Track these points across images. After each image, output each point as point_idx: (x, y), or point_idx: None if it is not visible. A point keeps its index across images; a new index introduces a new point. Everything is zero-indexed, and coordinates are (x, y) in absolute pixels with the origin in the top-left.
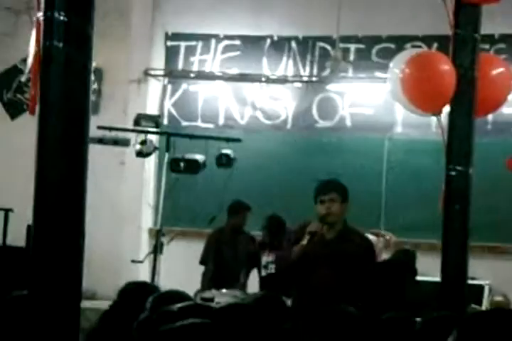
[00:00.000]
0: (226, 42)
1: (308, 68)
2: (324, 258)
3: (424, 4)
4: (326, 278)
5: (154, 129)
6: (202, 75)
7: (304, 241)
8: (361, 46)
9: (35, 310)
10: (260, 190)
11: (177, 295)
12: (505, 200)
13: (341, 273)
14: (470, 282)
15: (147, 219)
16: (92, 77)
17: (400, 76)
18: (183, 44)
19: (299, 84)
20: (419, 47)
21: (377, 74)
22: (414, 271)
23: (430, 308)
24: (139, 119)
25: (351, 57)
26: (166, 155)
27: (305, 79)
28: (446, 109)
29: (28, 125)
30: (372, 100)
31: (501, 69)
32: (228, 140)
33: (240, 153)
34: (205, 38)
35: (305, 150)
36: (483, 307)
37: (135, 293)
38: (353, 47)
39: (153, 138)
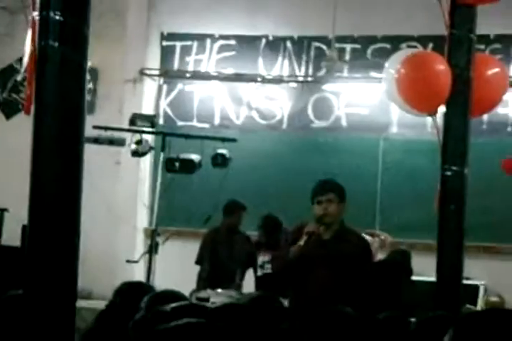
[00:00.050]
0: (221, 42)
1: (303, 68)
2: (321, 258)
3: (419, 4)
4: (323, 278)
5: (150, 129)
6: (197, 75)
7: (301, 242)
8: (357, 46)
9: (31, 310)
10: (256, 190)
11: (172, 295)
12: (501, 200)
13: (338, 273)
14: (465, 282)
15: (142, 219)
16: (88, 77)
17: (395, 76)
18: (178, 44)
19: (295, 84)
20: (415, 47)
21: (373, 74)
22: (409, 271)
23: (425, 308)
24: (134, 119)
25: (347, 57)
26: (162, 155)
27: (300, 79)
28: (442, 109)
29: (23, 125)
30: (367, 100)
31: (497, 70)
32: (224, 140)
33: (236, 152)
34: (201, 38)
35: (301, 150)
36: (478, 307)
37: (131, 292)
38: (348, 47)
39: (149, 137)
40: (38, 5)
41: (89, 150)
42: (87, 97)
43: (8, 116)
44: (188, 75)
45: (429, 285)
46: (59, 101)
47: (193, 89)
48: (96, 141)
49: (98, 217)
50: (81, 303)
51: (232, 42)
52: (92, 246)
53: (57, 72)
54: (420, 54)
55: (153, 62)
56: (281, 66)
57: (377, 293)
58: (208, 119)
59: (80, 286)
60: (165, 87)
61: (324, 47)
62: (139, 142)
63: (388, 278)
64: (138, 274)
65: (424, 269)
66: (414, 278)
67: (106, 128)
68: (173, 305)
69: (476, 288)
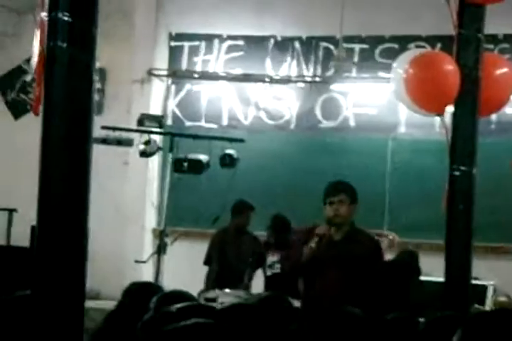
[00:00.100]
0: (229, 42)
1: (311, 68)
2: (332, 259)
3: (427, 4)
4: (334, 279)
5: (158, 129)
6: (205, 75)
7: (312, 244)
8: (365, 46)
9: (39, 310)
10: (264, 190)
11: (181, 296)
12: (509, 200)
13: (349, 274)
14: (473, 282)
15: (151, 220)
16: (96, 77)
17: (403, 76)
18: (186, 44)
19: (303, 85)
20: (423, 47)
21: (381, 74)
22: (418, 272)
23: (434, 308)
24: (142, 119)
25: (355, 57)
26: (170, 156)
27: (308, 79)
28: (450, 109)
29: (31, 125)
30: (375, 100)
31: (505, 69)
32: (232, 140)
33: (244, 153)
34: (209, 38)
35: (308, 150)
36: (487, 308)
37: (139, 293)
38: (356, 47)
39: (157, 138)
40: (46, 6)
41: (98, 151)
42: (95, 98)
43: (17, 116)
44: (196, 76)
45: (437, 286)
46: (67, 102)
47: (201, 89)
48: (104, 141)
49: (106, 218)
50: (89, 304)
51: (240, 42)
52: (101, 247)
53: (66, 72)
54: (428, 54)
55: (162, 62)
56: (289, 66)
57: (385, 294)
58: (216, 120)
59: (88, 287)
60: (173, 88)
61: (332, 47)
62: (147, 142)
63: (397, 278)
64: (146, 274)
65: (433, 269)
66: (422, 278)
67: (114, 129)
68: (180, 305)
69: (484, 288)
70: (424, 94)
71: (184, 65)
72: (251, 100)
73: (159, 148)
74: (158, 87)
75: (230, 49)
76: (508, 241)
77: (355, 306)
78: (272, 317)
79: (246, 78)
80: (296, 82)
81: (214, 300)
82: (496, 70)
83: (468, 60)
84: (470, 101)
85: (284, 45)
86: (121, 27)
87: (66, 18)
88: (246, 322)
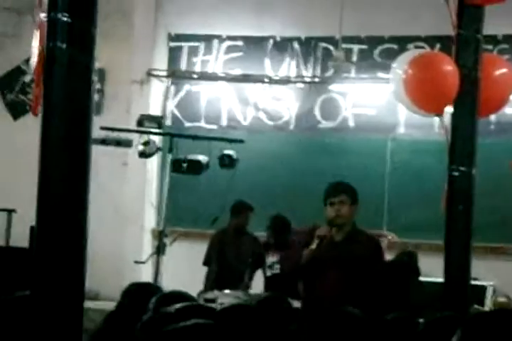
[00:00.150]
0: (229, 42)
1: (310, 69)
2: (333, 260)
3: (426, 5)
4: (335, 279)
5: (157, 130)
6: (205, 76)
7: (313, 246)
8: (364, 47)
9: (38, 311)
10: (263, 191)
11: (180, 296)
12: (509, 201)
13: (350, 274)
14: (473, 283)
15: (150, 220)
16: (95, 78)
17: (402, 76)
18: (185, 45)
19: (302, 85)
20: (422, 47)
21: (380, 74)
22: (417, 272)
23: (433, 309)
24: (141, 120)
25: (354, 57)
26: (169, 156)
27: (307, 79)
28: (449, 109)
29: (31, 126)
30: (375, 101)
31: (504, 70)
32: (231, 141)
33: (243, 153)
34: (208, 39)
35: (308, 150)
36: (486, 308)
37: (138, 293)
38: (355, 47)
39: (156, 138)
40: (45, 6)
41: (97, 152)
42: (95, 98)
43: (16, 117)
44: (195, 76)
45: (436, 286)
46: (66, 102)
47: (200, 90)
48: (103, 142)
49: (105, 218)
50: (88, 304)
51: (240, 43)
52: (100, 247)
53: (65, 73)
54: (427, 54)
55: (161, 63)
56: (289, 67)
57: (385, 294)
58: (215, 120)
59: (88, 287)
60: (172, 88)
61: (331, 47)
62: (146, 143)
63: (396, 279)
64: (145, 275)
65: (432, 270)
66: (421, 278)
67: (113, 129)
68: (179, 305)
69: (483, 288)
70: (424, 95)
71: (183, 66)
72: (250, 101)
73: (158, 149)
74: (157, 87)
75: (229, 49)
76: (508, 241)
77: (356, 307)
78: (272, 318)
79: (245, 79)
80: (295, 82)
81: (213, 300)
82: (495, 71)
83: (467, 61)
84: (469, 102)
85: (283, 46)
86: (120, 27)
87: (65, 19)
88: (246, 322)
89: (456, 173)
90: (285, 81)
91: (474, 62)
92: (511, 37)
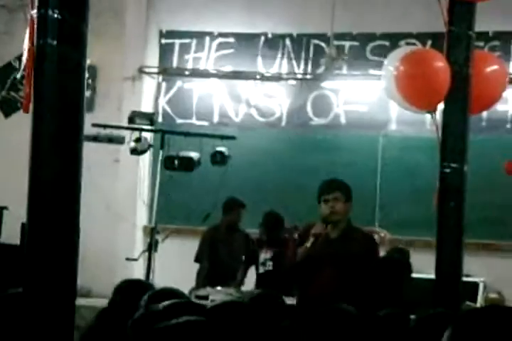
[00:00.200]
0: (220, 39)
1: (302, 65)
2: (328, 257)
3: (418, 1)
4: (330, 277)
5: (149, 127)
6: (196, 73)
7: (308, 244)
8: (355, 43)
9: (30, 308)
10: (255, 188)
11: (172, 293)
12: (500, 197)
13: (345, 272)
14: (465, 279)
15: (142, 217)
16: (87, 75)
17: (394, 73)
18: (177, 42)
19: (294, 82)
20: (414, 44)
21: (372, 71)
22: (409, 269)
23: (426, 306)
24: (133, 117)
25: (345, 54)
26: (161, 153)
27: (299, 76)
28: (441, 106)
29: (22, 123)
30: (366, 97)
31: (495, 67)
32: (223, 137)
33: (235, 150)
34: (200, 36)
35: (299, 147)
36: (478, 305)
37: (130, 290)
38: (347, 44)
39: (148, 135)
40: (36, 3)
41: (88, 148)
42: (86, 95)
43: (7, 114)
44: (186, 73)
45: (428, 283)
46: (58, 100)
47: (192, 86)
48: (95, 138)
49: (97, 215)
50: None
51: (231, 39)
52: (92, 244)
53: (56, 70)
54: (419, 51)
55: (152, 59)
56: (280, 63)
57: (378, 291)
58: (207, 117)
59: (80, 284)
60: (164, 85)
61: (323, 44)
62: (138, 140)
63: (389, 275)
64: (137, 272)
65: (424, 266)
66: (413, 275)
67: (105, 126)
68: (169, 302)
69: (475, 285)
70: (415, 92)
71: (175, 63)
72: (242, 97)
73: (150, 146)
74: (149, 84)
75: (221, 46)
76: (499, 238)
77: (352, 303)
78: (265, 315)
79: (237, 75)
80: (287, 79)
81: (205, 297)
82: (487, 68)
83: (458, 58)
84: (461, 99)
85: (274, 43)
86: (112, 24)
87: (56, 16)
88: (238, 319)
89: (447, 170)
90: (277, 78)
91: (466, 58)
92: (502, 34)
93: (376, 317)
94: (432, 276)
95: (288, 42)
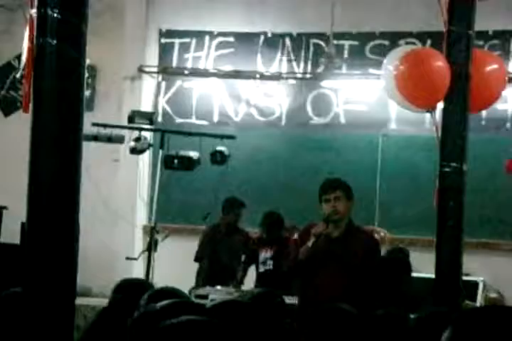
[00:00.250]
0: (220, 39)
1: (302, 65)
2: (331, 256)
3: (418, 1)
4: (333, 276)
5: (148, 126)
6: (196, 72)
7: (310, 243)
8: (355, 43)
9: (30, 307)
10: (255, 187)
11: (172, 292)
12: (500, 196)
13: (348, 271)
14: (464, 278)
15: (141, 217)
16: (86, 74)
17: (394, 73)
18: (177, 41)
19: (293, 81)
20: (413, 43)
21: (371, 70)
22: (408, 269)
23: (425, 305)
24: (133, 116)
25: (345, 53)
26: (160, 152)
27: (299, 75)
28: (440, 105)
29: (22, 122)
30: (366, 97)
31: (495, 66)
32: (222, 137)
33: (235, 149)
34: (199, 35)
35: (299, 147)
36: (478, 304)
37: (130, 290)
38: (346, 43)
39: (148, 135)
40: (36, 2)
41: (88, 148)
42: (86, 94)
43: (7, 113)
44: (186, 72)
45: (428, 282)
46: (57, 99)
47: (191, 86)
48: (95, 138)
49: (97, 215)
50: (80, 301)
51: (231, 39)
52: (91, 244)
53: (56, 69)
54: (419, 50)
55: (152, 59)
56: (280, 63)
57: (378, 290)
58: (207, 116)
59: (79, 284)
60: (163, 84)
61: (323, 43)
62: (137, 139)
63: (388, 275)
64: (137, 271)
65: (424, 265)
66: (413, 274)
67: (105, 126)
68: (168, 302)
69: (475, 284)
70: (415, 91)
71: (175, 62)
72: (242, 97)
73: (150, 145)
74: (148, 83)
75: (221, 46)
76: (499, 237)
77: (354, 303)
78: (265, 314)
79: (237, 75)
80: (286, 78)
81: (205, 297)
82: (486, 67)
83: (458, 57)
84: (460, 98)
85: (274, 42)
86: (111, 24)
87: (56, 15)
88: (238, 318)
89: (447, 169)
90: (276, 77)
91: (465, 58)
92: (502, 33)
93: (375, 317)
94: (432, 275)
95: (288, 41)
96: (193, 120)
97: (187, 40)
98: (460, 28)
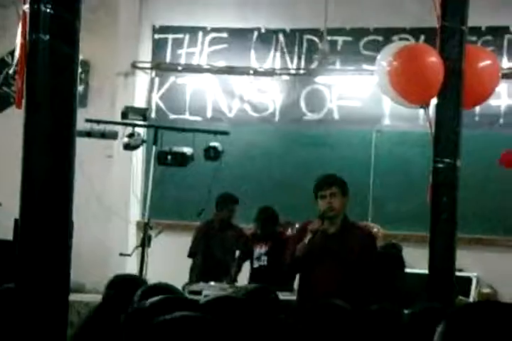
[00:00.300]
0: (213, 34)
1: (295, 61)
2: (328, 252)
3: None
4: (330, 272)
5: (142, 122)
6: (189, 68)
7: (306, 240)
8: (349, 38)
9: (23, 303)
10: (249, 183)
11: (165, 288)
12: (493, 192)
13: (345, 267)
14: (458, 274)
15: (135, 212)
16: (80, 70)
17: (387, 68)
18: (170, 37)
19: (287, 77)
20: (407, 39)
21: (365, 66)
22: (402, 264)
23: (418, 300)
24: (126, 112)
25: (339, 49)
26: (154, 148)
27: (293, 71)
28: (434, 101)
29: (15, 118)
30: (360, 93)
31: (488, 62)
32: (216, 133)
33: (228, 145)
34: (193, 31)
35: (293, 143)
36: (471, 299)
37: (123, 285)
38: (340, 39)
39: (141, 131)
40: None
41: (81, 144)
42: (79, 90)
43: (0, 109)
44: (180, 68)
45: (421, 278)
46: (50, 95)
47: (185, 82)
48: (88, 134)
49: (90, 211)
50: (73, 297)
51: (224, 35)
52: (85, 240)
53: (48, 65)
54: (412, 46)
55: (145, 55)
56: (274, 59)
57: (372, 286)
58: (200, 112)
59: (73, 280)
60: (157, 80)
61: (316, 39)
62: (131, 135)
63: (381, 270)
64: (130, 267)
65: (417, 261)
66: (406, 270)
67: (98, 122)
68: (161, 297)
69: (468, 279)
70: (408, 87)
71: (168, 58)
72: (235, 93)
73: (143, 141)
74: (142, 79)
75: (214, 41)
76: (492, 232)
77: (350, 299)
78: (258, 310)
79: (230, 71)
80: (280, 74)
81: (199, 292)
82: (480, 63)
83: (451, 53)
84: (454, 94)
85: (268, 38)
86: (105, 19)
87: (48, 10)
88: (231, 314)
89: (440, 165)
90: (270, 73)
91: (459, 53)
92: (495, 28)
93: (369, 312)
94: (425, 271)
95: (281, 37)
96: (187, 116)
97: (180, 35)
98: (453, 23)
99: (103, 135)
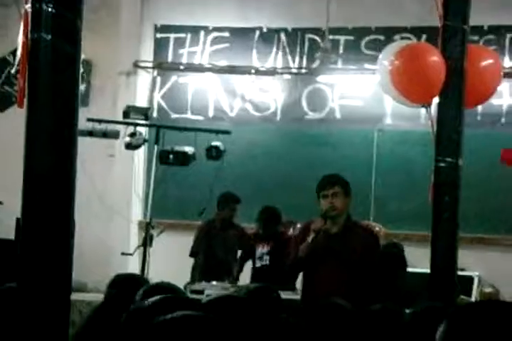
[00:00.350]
0: (215, 34)
1: (297, 60)
2: (330, 252)
3: None
4: (333, 272)
5: (144, 121)
6: (191, 67)
7: (309, 239)
8: (350, 38)
9: (25, 303)
10: (250, 182)
11: (167, 288)
12: (495, 191)
13: (348, 266)
14: (459, 273)
15: (137, 212)
16: (81, 70)
17: (389, 68)
18: (172, 36)
19: (289, 76)
20: (408, 38)
21: (367, 65)
22: (404, 264)
23: (420, 299)
24: (128, 111)
25: (340, 48)
26: (156, 148)
27: (294, 71)
28: (436, 100)
29: (17, 117)
30: (361, 92)
31: (490, 61)
32: (218, 132)
33: (230, 145)
34: (194, 30)
35: (294, 142)
36: (473, 299)
37: (125, 285)
38: (342, 38)
39: (143, 130)
40: None
41: (83, 143)
42: (81, 90)
43: (2, 109)
44: (181, 67)
45: (423, 277)
46: (52, 94)
47: (186, 81)
48: (90, 133)
49: (92, 210)
50: (75, 296)
51: (226, 34)
52: (87, 239)
53: (50, 64)
54: (414, 45)
55: (147, 54)
56: (275, 58)
57: (374, 285)
58: (202, 111)
59: (75, 279)
60: (159, 80)
61: (318, 38)
62: (132, 134)
63: (383, 270)
64: (132, 267)
65: (419, 260)
66: (408, 269)
67: (100, 121)
68: (163, 297)
69: (470, 279)
70: (410, 86)
71: (170, 57)
72: (237, 92)
73: (145, 140)
74: (144, 79)
75: (216, 41)
76: (494, 232)
77: (353, 298)
78: (260, 309)
79: (232, 70)
80: (282, 73)
81: (201, 292)
82: (482, 62)
83: (453, 52)
84: (455, 93)
85: (269, 37)
86: (106, 19)
87: (50, 9)
88: (233, 314)
89: (442, 164)
90: (272, 72)
91: (460, 53)
92: (497, 28)
93: (371, 312)
94: (427, 270)
95: (283, 36)
96: (188, 115)
97: (182, 35)
98: (455, 22)
99: (105, 134)
